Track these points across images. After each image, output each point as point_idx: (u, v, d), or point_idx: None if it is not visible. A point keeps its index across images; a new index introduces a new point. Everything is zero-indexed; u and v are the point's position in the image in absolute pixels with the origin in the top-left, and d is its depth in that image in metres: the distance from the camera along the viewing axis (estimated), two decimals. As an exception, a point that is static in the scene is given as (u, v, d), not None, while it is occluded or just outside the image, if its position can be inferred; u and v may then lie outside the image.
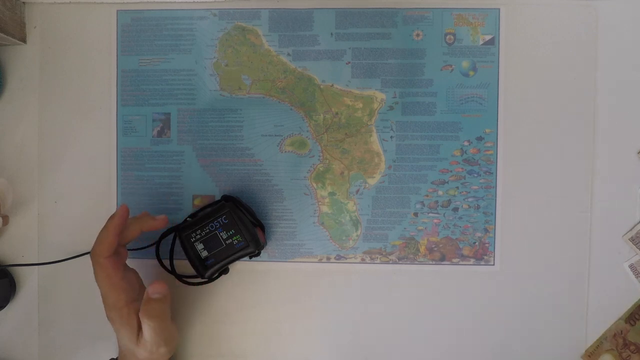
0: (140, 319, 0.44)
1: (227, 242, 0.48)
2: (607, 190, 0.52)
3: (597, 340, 0.52)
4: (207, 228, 0.48)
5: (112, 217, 0.46)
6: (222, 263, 0.48)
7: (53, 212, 0.53)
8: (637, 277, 0.52)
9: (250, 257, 0.50)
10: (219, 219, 0.48)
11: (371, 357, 0.53)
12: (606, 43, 0.52)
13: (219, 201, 0.50)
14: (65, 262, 0.51)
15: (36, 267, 0.53)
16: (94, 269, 0.45)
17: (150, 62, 0.53)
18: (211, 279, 0.49)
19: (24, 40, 0.52)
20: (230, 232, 0.48)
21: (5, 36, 0.49)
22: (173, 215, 0.53)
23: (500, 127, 0.52)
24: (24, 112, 0.53)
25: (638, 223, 0.52)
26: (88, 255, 0.52)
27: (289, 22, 0.52)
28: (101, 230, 0.45)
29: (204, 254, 0.48)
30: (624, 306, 0.52)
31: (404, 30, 0.52)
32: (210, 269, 0.48)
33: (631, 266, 0.52)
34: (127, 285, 0.46)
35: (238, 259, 0.48)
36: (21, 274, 0.53)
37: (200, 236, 0.48)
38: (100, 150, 0.53)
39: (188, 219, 0.50)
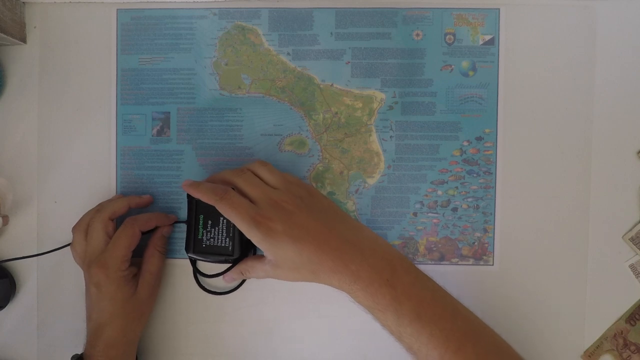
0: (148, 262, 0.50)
1: (221, 218, 0.48)
2: (607, 190, 0.52)
3: (597, 340, 0.52)
4: (199, 223, 0.48)
5: (120, 236, 0.47)
6: (236, 233, 0.48)
7: (53, 212, 0.53)
8: (637, 277, 0.51)
9: None
10: (199, 207, 0.48)
11: (370, 355, 0.53)
12: (605, 43, 0.52)
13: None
14: (65, 262, 0.51)
15: (36, 267, 0.53)
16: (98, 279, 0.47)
17: (150, 61, 0.53)
18: (246, 252, 0.49)
19: (24, 40, 0.52)
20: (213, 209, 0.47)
21: (5, 36, 0.49)
22: (172, 214, 0.53)
23: (500, 127, 0.52)
24: (24, 112, 0.53)
25: (638, 223, 0.52)
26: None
27: (288, 22, 0.52)
28: (111, 246, 0.47)
29: (226, 242, 0.48)
30: (624, 306, 0.52)
31: (403, 30, 0.52)
32: (236, 247, 0.48)
33: (631, 266, 0.52)
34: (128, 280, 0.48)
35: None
36: (21, 273, 0.53)
37: (206, 235, 0.48)
38: (99, 149, 0.53)
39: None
